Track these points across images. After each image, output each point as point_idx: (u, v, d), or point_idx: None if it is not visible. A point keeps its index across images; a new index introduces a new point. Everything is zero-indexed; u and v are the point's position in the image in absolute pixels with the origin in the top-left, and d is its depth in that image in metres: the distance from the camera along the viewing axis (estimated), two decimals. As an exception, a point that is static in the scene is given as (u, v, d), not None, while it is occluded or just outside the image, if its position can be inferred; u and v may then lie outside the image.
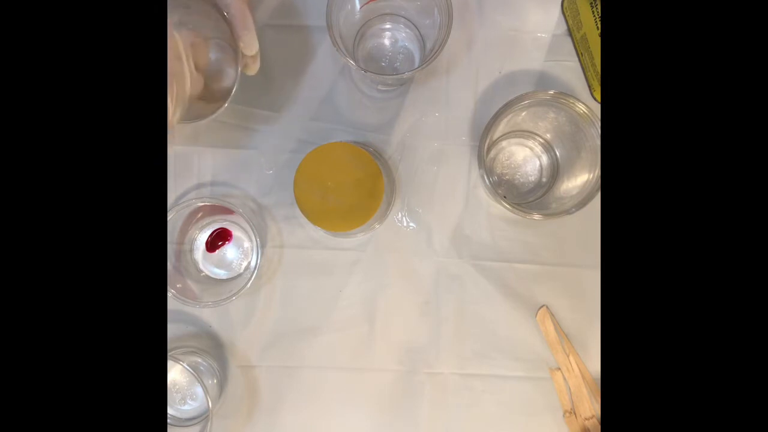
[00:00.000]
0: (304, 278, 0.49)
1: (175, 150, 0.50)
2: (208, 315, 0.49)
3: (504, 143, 0.50)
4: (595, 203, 0.41)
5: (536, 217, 0.43)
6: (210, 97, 0.42)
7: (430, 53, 0.43)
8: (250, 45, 0.40)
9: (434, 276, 0.49)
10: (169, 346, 0.48)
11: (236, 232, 0.50)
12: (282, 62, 0.50)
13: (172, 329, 0.49)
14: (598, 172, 0.42)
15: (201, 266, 0.50)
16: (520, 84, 0.50)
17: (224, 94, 0.41)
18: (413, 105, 0.50)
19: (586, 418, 0.48)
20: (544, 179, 0.50)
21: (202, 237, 0.50)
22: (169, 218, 0.46)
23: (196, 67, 0.38)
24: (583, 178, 0.44)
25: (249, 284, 0.45)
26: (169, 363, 0.46)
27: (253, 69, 0.42)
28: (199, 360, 0.48)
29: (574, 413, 0.49)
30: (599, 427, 0.48)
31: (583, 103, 0.42)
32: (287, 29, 0.50)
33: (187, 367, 0.43)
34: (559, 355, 0.49)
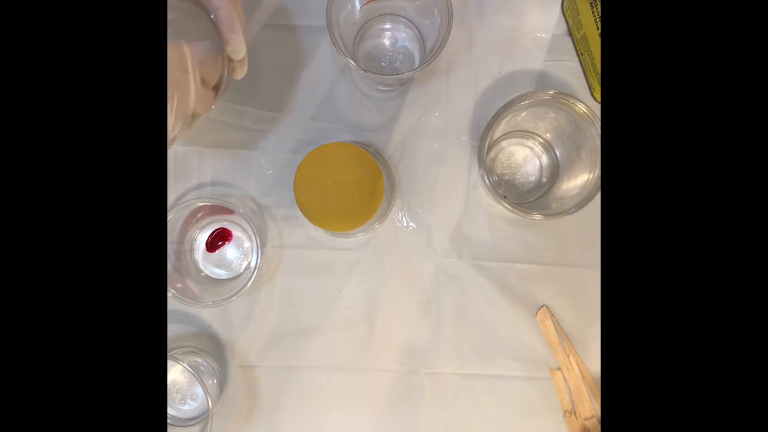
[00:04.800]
0: (304, 278, 0.49)
1: (175, 150, 0.50)
2: (208, 315, 0.49)
3: (504, 143, 0.50)
4: (595, 203, 0.41)
5: (536, 217, 0.43)
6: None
7: (430, 53, 0.43)
8: (238, 49, 0.38)
9: (434, 276, 0.49)
10: (169, 346, 0.48)
11: (236, 232, 0.50)
12: (282, 62, 0.50)
13: (172, 329, 0.49)
14: (598, 172, 0.42)
15: (201, 266, 0.50)
16: (520, 84, 0.50)
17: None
18: (413, 105, 0.50)
19: (586, 418, 0.48)
20: (544, 179, 0.50)
21: (202, 237, 0.50)
22: (169, 218, 0.46)
23: (206, 84, 0.37)
24: (583, 178, 0.44)
25: (249, 284, 0.45)
26: (169, 363, 0.46)
27: (241, 73, 0.41)
28: (199, 360, 0.48)
29: (574, 413, 0.49)
30: (599, 427, 0.48)
31: (583, 103, 0.42)
32: (287, 29, 0.50)
33: (187, 367, 0.43)
34: (559, 355, 0.49)
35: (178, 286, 0.46)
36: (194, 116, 0.38)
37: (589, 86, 0.49)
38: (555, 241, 0.49)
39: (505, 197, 0.43)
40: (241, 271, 0.50)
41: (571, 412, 0.49)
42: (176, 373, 0.49)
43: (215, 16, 0.37)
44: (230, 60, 0.39)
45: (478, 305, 0.49)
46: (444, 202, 0.49)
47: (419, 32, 0.48)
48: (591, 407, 0.48)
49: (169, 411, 0.48)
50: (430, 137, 0.49)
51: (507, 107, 0.43)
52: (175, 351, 0.47)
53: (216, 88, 0.40)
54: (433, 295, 0.49)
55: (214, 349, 0.49)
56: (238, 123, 0.49)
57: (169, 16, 0.36)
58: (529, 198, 0.50)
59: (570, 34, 0.49)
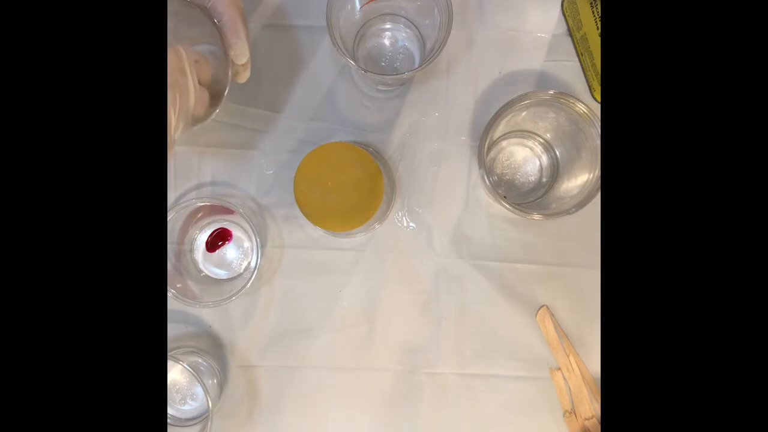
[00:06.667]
0: (304, 278, 0.49)
1: (175, 150, 0.50)
2: (208, 315, 0.49)
3: (504, 143, 0.50)
4: (595, 203, 0.41)
5: (536, 217, 0.43)
6: None
7: (430, 53, 0.43)
8: (241, 54, 0.39)
9: (434, 276, 0.49)
10: (169, 346, 0.48)
11: (236, 232, 0.50)
12: (282, 62, 0.50)
13: (172, 329, 0.49)
14: (598, 172, 0.42)
15: (201, 266, 0.50)
16: (520, 84, 0.50)
17: (216, 100, 0.41)
18: (413, 105, 0.50)
19: (586, 418, 0.48)
20: (544, 179, 0.50)
21: (202, 237, 0.50)
22: (169, 218, 0.46)
23: (200, 83, 0.38)
24: (583, 178, 0.44)
25: (249, 284, 0.45)
26: (169, 363, 0.46)
27: (244, 77, 0.42)
28: (199, 360, 0.48)
29: (574, 413, 0.49)
30: (599, 427, 0.48)
31: (583, 103, 0.42)
32: (287, 29, 0.50)
33: (187, 367, 0.43)
34: (559, 355, 0.49)
35: (178, 286, 0.46)
36: (194, 118, 0.39)
37: (589, 86, 0.49)
38: (555, 241, 0.49)
39: (505, 197, 0.43)
40: (241, 271, 0.50)
41: (571, 412, 0.49)
42: (176, 373, 0.49)
43: (219, 21, 0.38)
44: (234, 64, 0.40)
45: (478, 305, 0.49)
46: (444, 202, 0.49)
47: (419, 32, 0.48)
48: (591, 407, 0.48)
49: (169, 411, 0.48)
50: (430, 137, 0.49)
51: (507, 107, 0.43)
52: (175, 351, 0.47)
53: (217, 92, 0.40)
54: (433, 295, 0.49)
55: (214, 349, 0.49)
56: (238, 123, 0.49)
57: (171, 23, 0.37)
58: (529, 198, 0.50)
59: (570, 34, 0.49)
